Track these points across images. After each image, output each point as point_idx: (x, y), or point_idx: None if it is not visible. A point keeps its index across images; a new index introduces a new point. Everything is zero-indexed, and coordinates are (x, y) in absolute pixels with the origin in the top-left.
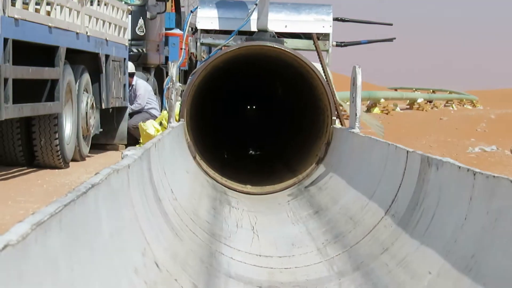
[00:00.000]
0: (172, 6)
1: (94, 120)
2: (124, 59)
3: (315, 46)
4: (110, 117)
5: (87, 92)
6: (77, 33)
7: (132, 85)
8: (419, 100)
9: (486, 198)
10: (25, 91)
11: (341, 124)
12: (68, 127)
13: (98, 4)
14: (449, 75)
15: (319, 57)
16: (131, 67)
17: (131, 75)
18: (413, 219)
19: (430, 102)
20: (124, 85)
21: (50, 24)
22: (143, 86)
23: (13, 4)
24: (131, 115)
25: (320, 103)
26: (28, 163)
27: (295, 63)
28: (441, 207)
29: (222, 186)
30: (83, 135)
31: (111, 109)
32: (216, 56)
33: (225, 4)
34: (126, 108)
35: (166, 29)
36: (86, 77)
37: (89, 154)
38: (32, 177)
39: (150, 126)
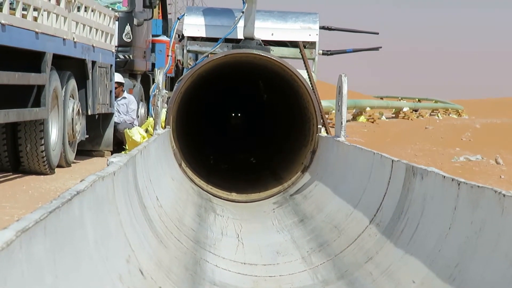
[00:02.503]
0: (159, 13)
1: (80, 126)
2: (111, 65)
3: (302, 55)
4: (96, 124)
5: (73, 98)
6: (64, 39)
7: (124, 97)
8: (405, 109)
9: (470, 208)
10: (11, 96)
11: (327, 133)
12: (54, 133)
13: (85, 10)
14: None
15: (305, 66)
16: (119, 77)
17: (121, 85)
18: (398, 228)
19: (416, 111)
20: (111, 92)
21: (37, 30)
22: (135, 104)
23: (0, 10)
24: (116, 124)
25: (306, 111)
26: (14, 168)
27: (282, 71)
28: (426, 217)
29: (207, 194)
30: (69, 141)
31: (97, 115)
32: (202, 63)
33: (211, 11)
34: (112, 114)
35: (153, 35)
36: (73, 83)
37: (74, 160)
38: (17, 183)
39: (136, 133)
